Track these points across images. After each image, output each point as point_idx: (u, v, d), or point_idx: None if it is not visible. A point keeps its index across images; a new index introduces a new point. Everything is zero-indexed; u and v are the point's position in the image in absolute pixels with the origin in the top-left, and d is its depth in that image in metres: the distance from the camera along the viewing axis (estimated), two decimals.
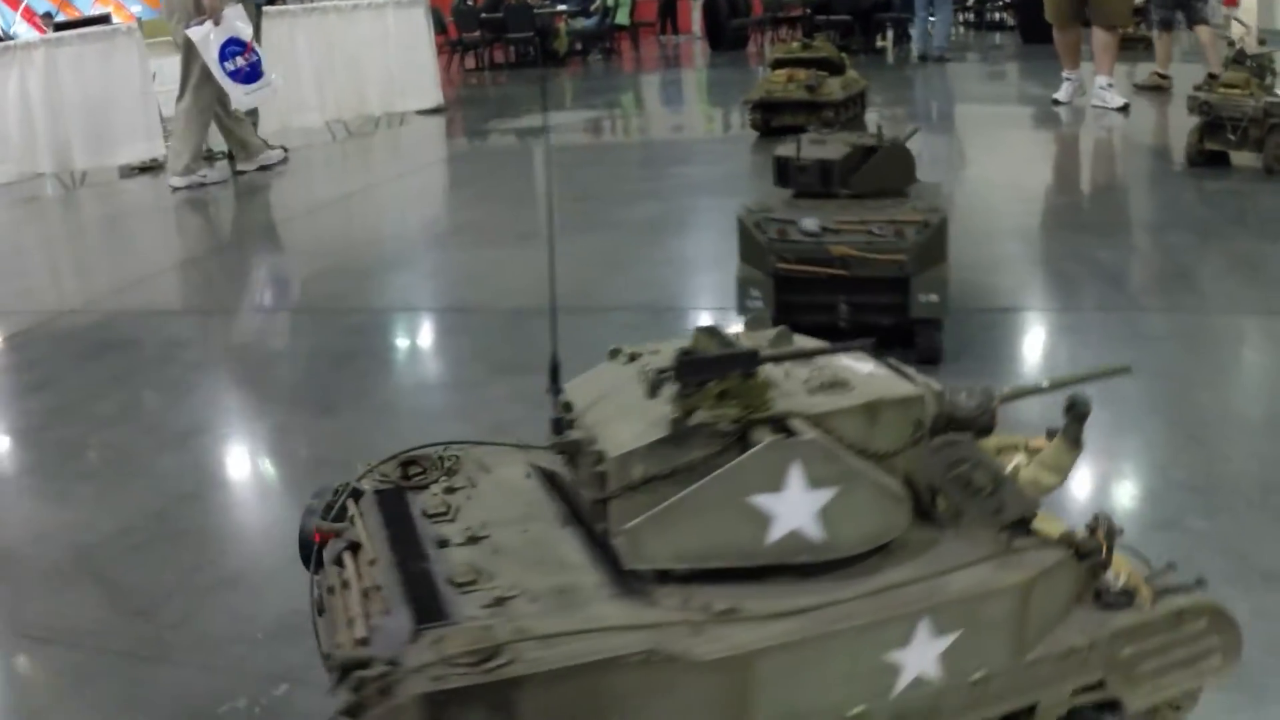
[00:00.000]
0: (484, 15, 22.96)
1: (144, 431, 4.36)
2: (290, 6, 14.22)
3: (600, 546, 1.88)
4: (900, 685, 1.82)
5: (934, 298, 4.12)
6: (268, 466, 4.09)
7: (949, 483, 1.99)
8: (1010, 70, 16.86)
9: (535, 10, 23.53)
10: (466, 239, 7.60)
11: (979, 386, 2.08)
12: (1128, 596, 2.01)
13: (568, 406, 2.02)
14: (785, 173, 4.50)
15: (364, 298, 6.09)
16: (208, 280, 6.99)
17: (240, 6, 9.93)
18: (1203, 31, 11.69)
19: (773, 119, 10.16)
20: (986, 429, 2.06)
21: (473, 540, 1.92)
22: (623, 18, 25.66)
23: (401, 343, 5.36)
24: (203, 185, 9.94)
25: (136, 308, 6.18)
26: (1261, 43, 8.61)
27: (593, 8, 25.44)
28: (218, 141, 10.62)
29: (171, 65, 11.52)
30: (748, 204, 4.49)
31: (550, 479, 2.16)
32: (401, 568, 1.83)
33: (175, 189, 9.83)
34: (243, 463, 4.13)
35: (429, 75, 14.30)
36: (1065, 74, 11.62)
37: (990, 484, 1.97)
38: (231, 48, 9.71)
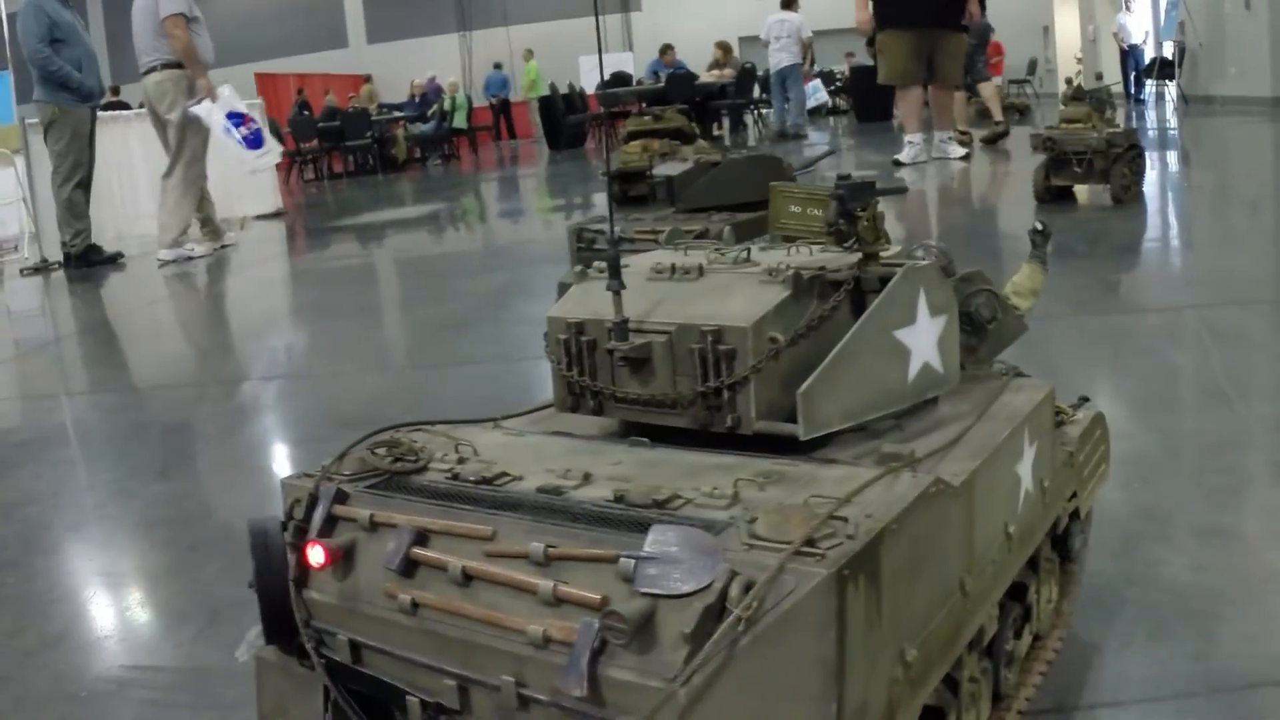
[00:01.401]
0: (321, 124, 22.82)
1: None
2: (125, 113, 14.00)
3: (717, 444, 1.67)
4: (1021, 499, 1.78)
5: None
6: (97, 530, 3.77)
7: (964, 316, 1.95)
8: (853, 143, 17.54)
9: (373, 118, 23.49)
10: (308, 316, 7.41)
11: (931, 244, 1.94)
12: (1059, 413, 2.11)
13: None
14: (651, 190, 4.84)
15: (209, 372, 5.78)
16: (44, 370, 6.61)
17: (231, 86, 10.58)
18: (985, 88, 12.32)
19: (630, 189, 10.23)
20: (950, 274, 1.92)
21: (587, 479, 1.55)
22: (460, 122, 25.78)
23: (245, 409, 5.04)
24: (190, 259, 10.37)
25: None
26: (1098, 78, 8.88)
27: (430, 113, 25.51)
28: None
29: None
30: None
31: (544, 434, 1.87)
32: (572, 519, 1.43)
33: (163, 262, 10.20)
34: (71, 528, 3.79)
35: (267, 179, 14.02)
36: (908, 137, 11.92)
37: (997, 311, 2.00)
38: (234, 119, 10.36)
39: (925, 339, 1.73)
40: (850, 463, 1.58)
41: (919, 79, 11.67)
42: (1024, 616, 1.89)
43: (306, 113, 24.71)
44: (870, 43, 23.65)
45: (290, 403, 5.05)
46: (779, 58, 19.83)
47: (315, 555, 1.54)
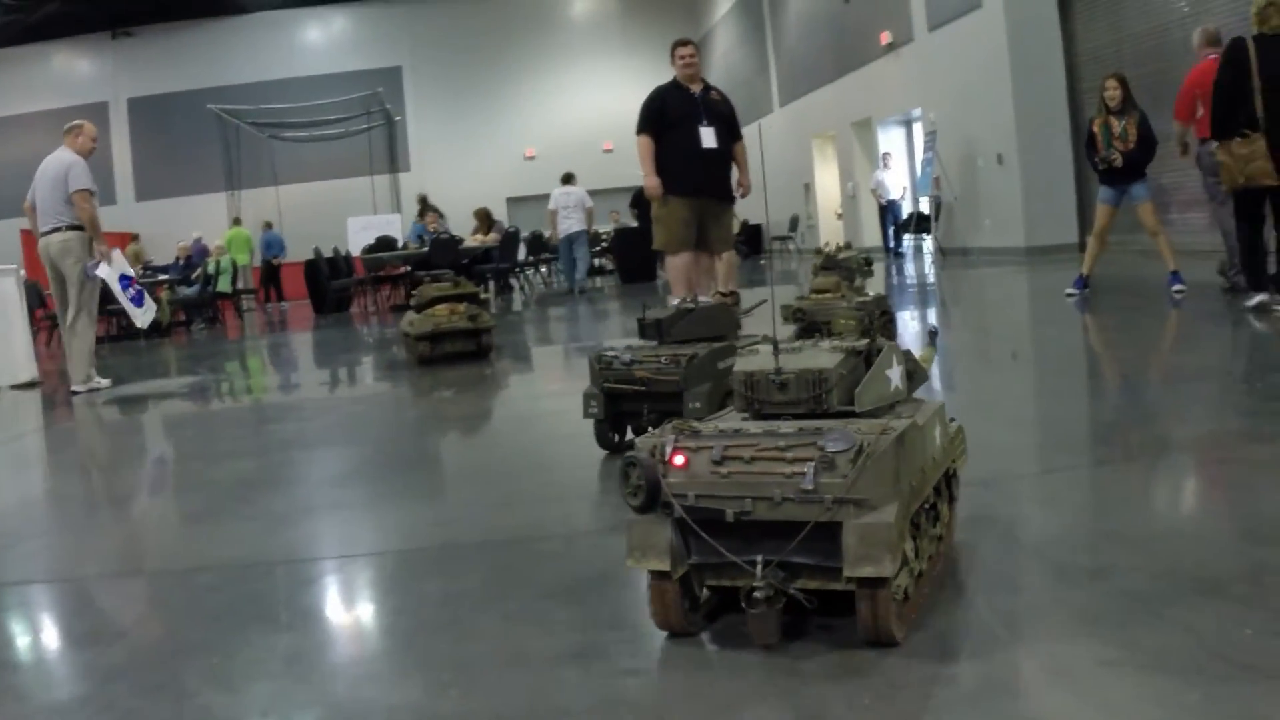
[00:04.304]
0: None
1: None
2: None
3: (818, 418, 3.29)
4: (936, 445, 3.52)
5: (698, 404, 5.73)
6: None
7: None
8: (622, 305, 18.31)
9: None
10: (38, 509, 6.86)
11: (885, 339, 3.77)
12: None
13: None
14: (642, 328, 6.32)
15: None
16: None
17: (119, 251, 13.03)
18: (730, 256, 12.88)
19: (437, 348, 11.87)
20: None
21: (779, 426, 3.22)
22: (225, 285, 25.42)
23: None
24: (97, 390, 12.32)
25: None
26: (847, 246, 9.05)
27: (194, 276, 25.04)
28: None
29: None
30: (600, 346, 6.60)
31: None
32: (786, 436, 3.11)
33: (76, 393, 12.21)
34: None
35: (22, 349, 13.71)
36: (674, 301, 12.07)
37: (915, 367, 3.66)
38: (124, 280, 12.69)
39: (895, 374, 3.47)
40: (878, 420, 3.22)
41: (690, 246, 12.14)
42: (935, 517, 3.55)
43: None
44: (634, 204, 24.27)
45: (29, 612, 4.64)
46: (567, 225, 23.90)
47: (678, 460, 3.13)
